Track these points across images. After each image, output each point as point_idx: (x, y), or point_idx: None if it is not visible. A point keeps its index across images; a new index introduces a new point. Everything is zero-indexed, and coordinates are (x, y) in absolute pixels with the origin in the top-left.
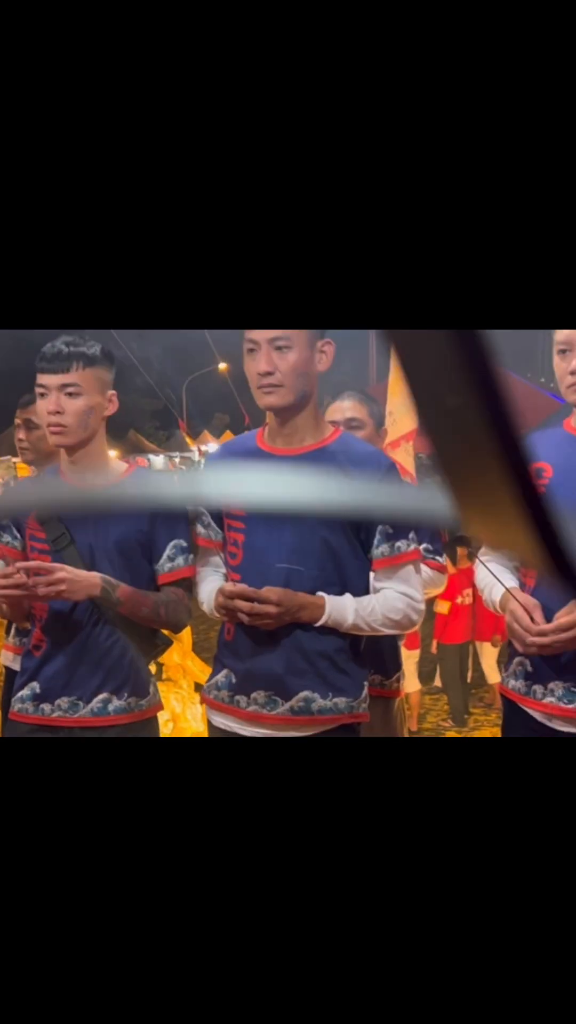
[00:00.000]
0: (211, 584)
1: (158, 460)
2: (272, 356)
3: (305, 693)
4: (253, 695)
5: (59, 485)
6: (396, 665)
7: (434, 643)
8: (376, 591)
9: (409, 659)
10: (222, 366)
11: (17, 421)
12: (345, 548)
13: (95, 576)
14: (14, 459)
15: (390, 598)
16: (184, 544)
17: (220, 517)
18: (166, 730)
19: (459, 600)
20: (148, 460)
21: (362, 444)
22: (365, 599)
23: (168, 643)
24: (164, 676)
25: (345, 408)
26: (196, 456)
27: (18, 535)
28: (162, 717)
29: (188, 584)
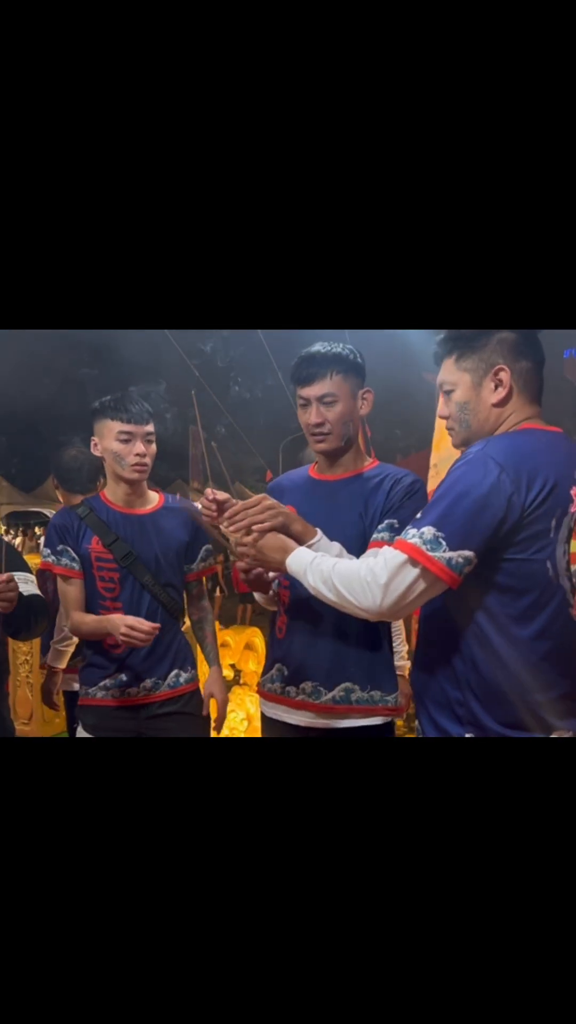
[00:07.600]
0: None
1: None
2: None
3: (346, 684)
4: (301, 685)
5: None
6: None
7: None
8: None
9: None
10: None
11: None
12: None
13: None
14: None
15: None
16: (212, 548)
17: None
18: (242, 728)
19: None
20: None
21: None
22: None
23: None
24: (241, 681)
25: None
26: None
27: (76, 558)
28: (239, 716)
29: (209, 577)
